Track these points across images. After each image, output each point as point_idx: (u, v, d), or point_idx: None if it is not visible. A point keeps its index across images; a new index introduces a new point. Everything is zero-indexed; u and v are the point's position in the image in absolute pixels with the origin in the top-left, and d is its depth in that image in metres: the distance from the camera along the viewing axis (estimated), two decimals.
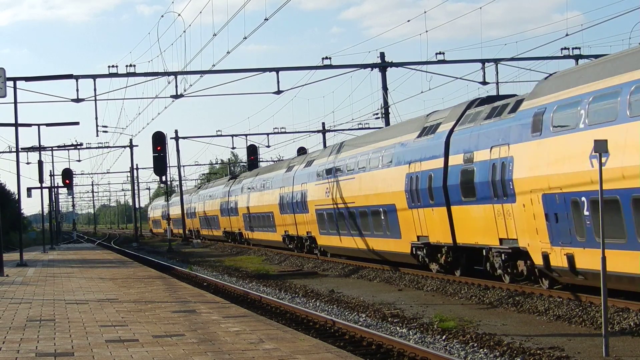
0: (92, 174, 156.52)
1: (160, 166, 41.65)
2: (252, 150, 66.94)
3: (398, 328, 16.99)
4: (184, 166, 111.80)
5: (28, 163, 73.41)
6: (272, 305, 21.67)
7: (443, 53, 38.31)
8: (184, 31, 52.50)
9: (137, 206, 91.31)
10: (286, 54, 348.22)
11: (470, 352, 13.98)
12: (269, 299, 22.70)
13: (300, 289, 26.06)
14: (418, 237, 26.51)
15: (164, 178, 61.46)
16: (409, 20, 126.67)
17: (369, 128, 59.00)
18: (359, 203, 31.53)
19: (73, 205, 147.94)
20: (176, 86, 38.19)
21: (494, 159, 21.24)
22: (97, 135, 67.87)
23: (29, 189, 63.62)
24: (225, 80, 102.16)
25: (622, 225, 16.17)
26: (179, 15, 58.04)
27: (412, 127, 27.99)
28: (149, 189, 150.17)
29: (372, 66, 40.09)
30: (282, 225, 44.49)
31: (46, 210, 64.73)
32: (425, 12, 37.55)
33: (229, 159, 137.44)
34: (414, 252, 27.06)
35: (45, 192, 61.59)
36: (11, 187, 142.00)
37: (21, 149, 44.66)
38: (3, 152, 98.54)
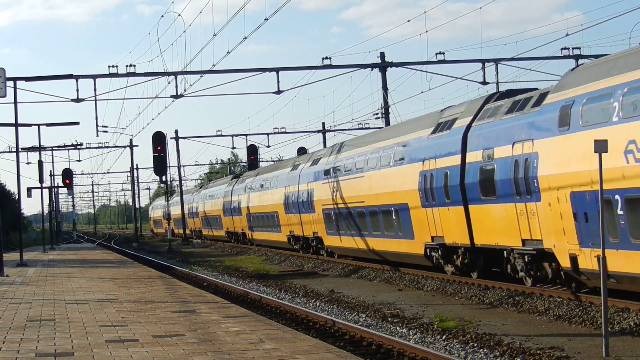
0: (92, 174, 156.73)
1: (160, 166, 41.64)
2: (252, 150, 66.94)
3: (398, 328, 16.99)
4: (184, 166, 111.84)
5: (28, 163, 73.51)
6: (272, 305, 21.66)
7: (443, 53, 38.34)
8: (184, 31, 52.60)
9: (137, 206, 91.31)
10: (286, 54, 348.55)
11: (470, 352, 13.98)
12: (269, 299, 22.70)
13: (300, 289, 26.06)
14: (432, 237, 25.49)
15: (164, 178, 61.42)
16: (409, 20, 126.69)
17: (369, 128, 59.02)
18: (368, 202, 30.55)
19: (73, 205, 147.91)
20: (176, 86, 38.22)
21: (517, 155, 20.24)
22: (97, 135, 67.96)
23: (29, 189, 63.65)
24: (225, 80, 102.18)
25: None
26: (179, 15, 58.09)
27: (425, 123, 26.90)
28: (149, 189, 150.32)
29: (372, 66, 40.09)
30: (287, 225, 43.57)
31: (46, 210, 64.78)
32: (425, 12, 37.61)
33: (229, 159, 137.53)
34: (428, 254, 26.06)
35: (45, 192, 61.62)
36: (11, 187, 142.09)
37: (21, 149, 44.68)
38: (3, 152, 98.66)
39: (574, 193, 17.80)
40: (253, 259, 44.06)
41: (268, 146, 72.12)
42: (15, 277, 29.55)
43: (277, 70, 37.81)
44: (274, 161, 79.75)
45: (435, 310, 19.61)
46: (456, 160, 23.38)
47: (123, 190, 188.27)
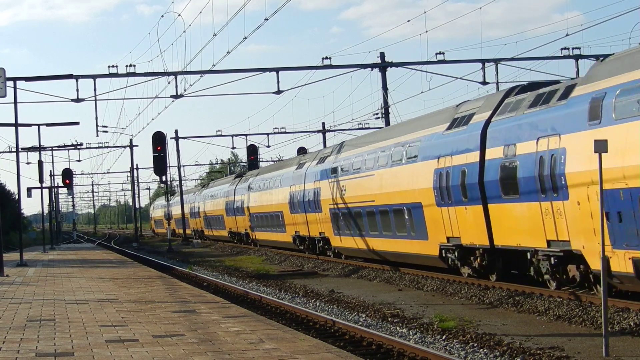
0: (92, 174, 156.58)
1: (160, 166, 41.65)
2: (252, 150, 66.92)
3: (398, 328, 16.99)
4: (184, 166, 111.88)
5: (28, 163, 73.50)
6: (272, 305, 21.66)
7: (443, 53, 38.33)
8: (184, 31, 52.60)
9: (137, 206, 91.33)
10: (286, 54, 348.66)
11: (470, 352, 13.98)
12: (269, 299, 22.69)
13: (300, 289, 26.05)
14: (448, 238, 24.32)
15: (164, 178, 61.41)
16: (409, 20, 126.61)
17: (369, 128, 59.01)
18: (379, 202, 29.35)
19: (73, 205, 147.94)
20: (176, 86, 38.22)
21: (542, 151, 19.12)
22: (97, 135, 67.92)
23: (29, 189, 63.66)
24: (225, 80, 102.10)
25: None
26: (179, 15, 58.10)
27: (440, 118, 25.75)
28: (149, 189, 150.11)
29: (372, 66, 40.09)
30: (292, 225, 42.49)
31: (46, 210, 64.80)
32: (425, 12, 37.63)
33: (229, 159, 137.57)
34: (443, 255, 24.89)
35: (45, 192, 61.64)
36: (11, 187, 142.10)
37: (21, 149, 44.68)
38: (3, 152, 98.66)
39: (606, 191, 16.07)
40: (253, 259, 44.05)
41: (268, 146, 72.18)
42: (15, 277, 29.55)
43: (277, 70, 37.81)
44: (274, 161, 79.73)
45: (435, 310, 19.60)
46: (474, 157, 22.36)
47: (123, 190, 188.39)
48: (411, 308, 20.33)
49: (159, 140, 40.51)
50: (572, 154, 17.99)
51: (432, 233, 25.28)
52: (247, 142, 70.87)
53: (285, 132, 69.97)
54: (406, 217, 27.06)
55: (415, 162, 26.26)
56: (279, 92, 37.90)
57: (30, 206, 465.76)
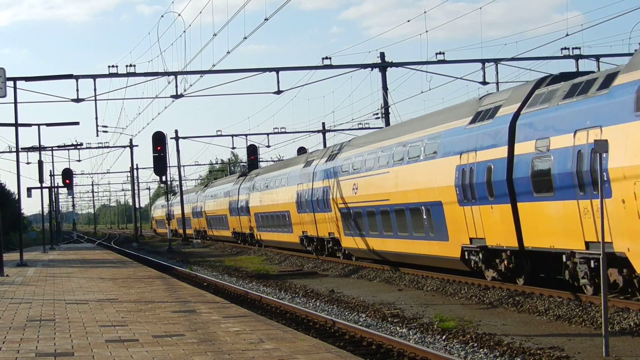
0: (92, 174, 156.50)
1: (160, 166, 41.59)
2: (252, 150, 66.88)
3: (398, 328, 16.99)
4: (184, 166, 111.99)
5: (28, 163, 73.47)
6: (272, 305, 21.66)
7: (443, 53, 38.32)
8: (184, 31, 52.50)
9: (137, 206, 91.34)
10: (286, 54, 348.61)
11: (470, 352, 13.98)
12: (269, 299, 22.70)
13: (300, 289, 26.06)
14: (471, 239, 22.88)
15: (164, 178, 61.40)
16: (409, 20, 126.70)
17: (369, 128, 59.01)
18: (394, 200, 27.83)
19: (73, 205, 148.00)
20: (176, 86, 38.21)
21: (580, 145, 17.73)
22: (97, 135, 67.76)
23: (29, 189, 63.64)
24: (225, 80, 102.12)
25: None
26: (179, 15, 57.99)
27: (461, 112, 24.39)
28: (149, 189, 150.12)
29: (372, 66, 40.09)
30: (299, 225, 41.06)
31: (46, 210, 64.81)
32: (425, 12, 37.54)
33: (229, 159, 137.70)
34: (466, 257, 23.45)
35: (45, 192, 61.65)
36: (11, 187, 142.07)
37: (21, 149, 44.68)
38: (3, 152, 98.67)
39: None
40: (253, 259, 44.06)
41: (268, 146, 72.16)
42: (15, 277, 29.55)
43: (277, 70, 37.80)
44: (274, 161, 79.72)
45: (435, 310, 19.60)
46: (502, 152, 20.99)
47: (123, 190, 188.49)
48: (411, 308, 20.33)
49: (159, 140, 40.47)
50: (615, 147, 16.60)
51: (453, 234, 23.90)
52: (247, 142, 70.90)
53: (285, 132, 70.01)
54: (424, 216, 25.69)
55: (434, 158, 24.88)
56: (279, 92, 37.89)
57: (30, 206, 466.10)
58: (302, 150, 67.01)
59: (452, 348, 14.50)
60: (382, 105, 42.28)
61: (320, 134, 69.60)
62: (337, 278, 30.25)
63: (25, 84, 35.25)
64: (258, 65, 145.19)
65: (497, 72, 38.66)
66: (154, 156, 40.32)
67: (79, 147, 66.94)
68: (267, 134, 70.76)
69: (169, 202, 73.40)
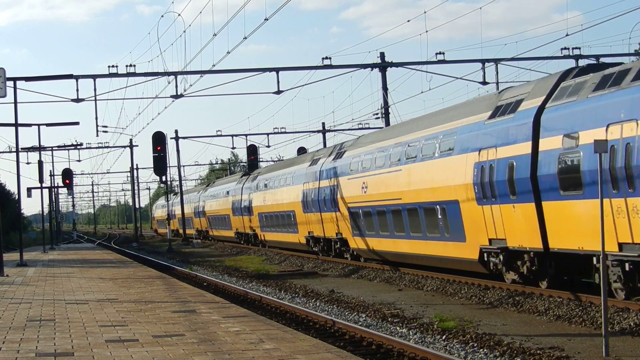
0: (92, 174, 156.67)
1: (160, 166, 41.61)
2: (252, 150, 66.86)
3: (398, 328, 16.99)
4: (184, 166, 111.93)
5: (28, 163, 73.49)
6: (272, 305, 21.66)
7: (443, 53, 38.32)
8: (184, 31, 52.56)
9: (137, 206, 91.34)
10: (286, 54, 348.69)
11: (470, 352, 13.98)
12: (269, 299, 22.70)
13: (300, 289, 26.06)
14: (490, 240, 21.85)
15: (164, 178, 61.39)
16: (409, 20, 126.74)
17: (369, 128, 59.00)
18: (406, 199, 26.82)
19: (73, 205, 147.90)
20: (176, 86, 38.20)
21: (614, 139, 16.70)
22: (97, 135, 67.83)
23: (29, 189, 63.62)
24: (225, 80, 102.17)
25: None
26: (179, 15, 58.00)
27: (479, 107, 23.43)
28: (149, 189, 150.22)
29: (372, 66, 40.08)
30: (305, 225, 40.17)
31: (46, 210, 64.82)
32: (425, 12, 37.56)
33: (229, 159, 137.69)
34: (485, 259, 22.46)
35: (45, 192, 61.64)
36: (11, 187, 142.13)
37: (21, 149, 44.69)
38: (3, 152, 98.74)
39: None
40: (253, 259, 44.05)
41: (268, 146, 72.18)
42: (15, 277, 29.55)
43: (277, 70, 37.80)
44: (274, 161, 79.69)
45: (435, 310, 19.60)
46: (525, 148, 19.90)
47: (123, 190, 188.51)
48: (411, 308, 20.33)
49: (159, 140, 40.48)
50: None
51: (471, 234, 22.88)
52: (247, 142, 70.88)
53: (285, 132, 70.01)
54: (439, 216, 24.64)
55: (450, 155, 23.87)
56: (279, 92, 37.89)
57: (30, 206, 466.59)
58: (302, 150, 67.01)
59: (452, 348, 14.50)
60: (382, 105, 42.28)
61: (320, 134, 69.64)
62: (337, 278, 30.25)
63: (25, 84, 35.28)
64: (258, 65, 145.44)
65: (497, 72, 38.68)
66: (154, 156, 40.35)
67: (79, 147, 66.97)
68: (267, 134, 70.81)
69: (170, 202, 73.25)
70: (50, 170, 77.21)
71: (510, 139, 20.73)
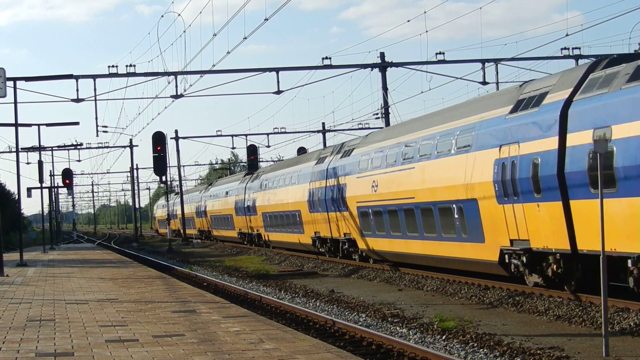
0: (92, 174, 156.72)
1: (160, 166, 41.63)
2: (252, 150, 66.88)
3: (398, 328, 16.99)
4: (184, 166, 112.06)
5: (28, 163, 73.52)
6: (272, 305, 21.66)
7: (443, 53, 38.36)
8: (184, 31, 52.60)
9: (137, 206, 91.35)
10: (286, 54, 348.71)
11: (470, 352, 13.98)
12: (269, 299, 22.70)
13: (300, 289, 26.06)
14: (512, 241, 20.60)
15: (164, 178, 61.37)
16: (409, 20, 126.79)
17: (369, 128, 59.00)
18: (420, 198, 25.64)
19: (73, 205, 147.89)
20: (176, 86, 38.24)
21: None
22: (97, 135, 67.94)
23: (29, 189, 63.66)
24: (225, 80, 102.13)
25: None
26: (179, 15, 58.07)
27: (499, 101, 22.28)
28: (149, 189, 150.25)
29: (372, 66, 40.11)
30: (311, 225, 39.05)
31: (46, 210, 64.82)
32: (425, 12, 37.62)
33: (229, 159, 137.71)
34: (506, 260, 21.25)
35: (45, 192, 61.64)
36: (11, 187, 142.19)
37: (21, 149, 44.69)
38: (3, 152, 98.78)
39: None
40: (253, 259, 44.05)
41: (268, 146, 72.28)
42: (15, 277, 29.55)
43: (277, 70, 37.82)
44: (274, 161, 79.68)
45: (435, 310, 19.60)
46: (551, 143, 18.65)
47: (123, 190, 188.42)
48: (411, 308, 20.33)
49: (159, 140, 40.50)
50: None
51: (490, 235, 21.69)
52: (247, 142, 70.93)
53: (285, 132, 70.05)
54: (455, 215, 23.44)
55: (468, 152, 22.67)
56: (279, 92, 37.92)
57: (30, 206, 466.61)
58: (302, 150, 67.03)
59: (452, 348, 14.50)
60: (382, 105, 42.29)
61: (320, 134, 69.67)
62: (337, 278, 30.25)
63: (25, 84, 35.32)
64: (258, 65, 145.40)
65: (497, 72, 38.73)
66: (154, 156, 40.38)
67: (79, 147, 67.00)
68: (267, 134, 70.86)
69: (170, 201, 73.11)
70: (50, 170, 77.34)
71: (534, 134, 19.51)
